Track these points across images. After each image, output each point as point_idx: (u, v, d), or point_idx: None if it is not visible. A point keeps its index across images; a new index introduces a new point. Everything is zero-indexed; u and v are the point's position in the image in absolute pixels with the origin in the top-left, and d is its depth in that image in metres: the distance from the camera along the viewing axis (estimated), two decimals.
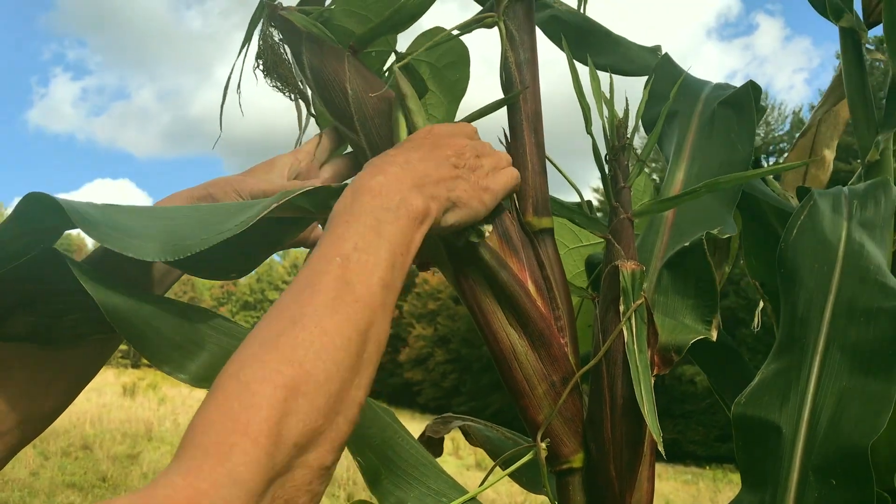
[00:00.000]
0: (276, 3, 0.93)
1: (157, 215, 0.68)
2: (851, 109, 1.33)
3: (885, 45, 1.24)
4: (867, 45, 1.34)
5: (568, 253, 1.29)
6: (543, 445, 0.80)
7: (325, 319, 0.55)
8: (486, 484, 0.85)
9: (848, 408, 0.85)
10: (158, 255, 0.59)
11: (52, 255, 0.66)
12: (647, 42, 1.43)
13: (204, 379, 0.68)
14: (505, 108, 0.90)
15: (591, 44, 1.34)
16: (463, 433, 1.26)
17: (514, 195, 0.86)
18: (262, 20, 0.93)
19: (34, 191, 0.58)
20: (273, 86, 0.96)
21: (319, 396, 0.53)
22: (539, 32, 1.20)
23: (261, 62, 0.95)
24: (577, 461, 0.82)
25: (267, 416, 0.49)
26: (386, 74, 1.01)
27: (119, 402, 18.23)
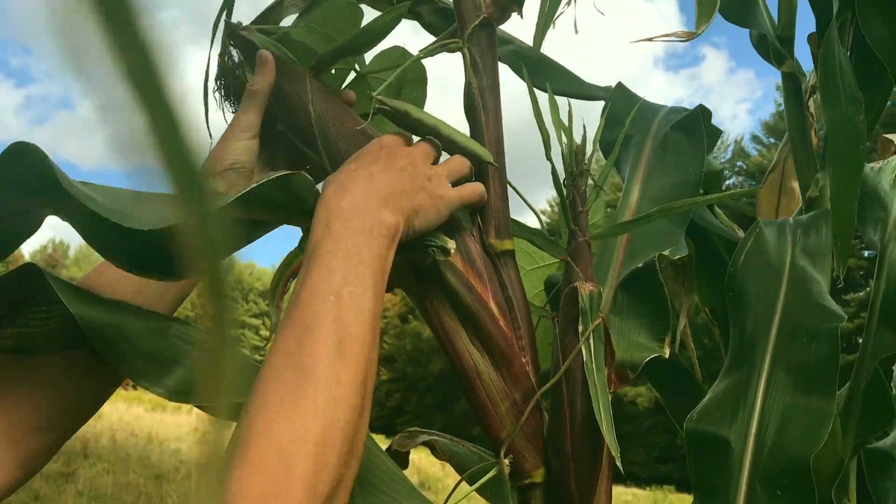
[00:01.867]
0: (236, 22, 0.93)
1: (138, 195, 0.66)
2: (793, 149, 1.42)
3: (819, 94, 1.32)
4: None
5: (525, 275, 1.33)
6: (507, 461, 0.82)
7: (336, 367, 0.57)
8: (454, 499, 0.86)
9: (792, 423, 0.90)
10: (153, 224, 0.58)
11: (33, 270, 0.67)
12: (598, 69, 1.49)
13: (181, 393, 0.69)
14: (468, 133, 0.92)
15: (548, 75, 1.39)
16: (430, 448, 1.28)
17: (479, 217, 0.89)
18: (221, 40, 0.93)
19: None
20: (232, 108, 0.95)
21: (343, 444, 0.55)
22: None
23: (220, 83, 0.94)
24: (538, 476, 0.84)
25: (302, 475, 0.51)
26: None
27: None
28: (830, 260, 1.12)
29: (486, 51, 0.93)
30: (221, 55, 0.93)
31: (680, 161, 1.14)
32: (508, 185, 0.94)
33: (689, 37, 1.08)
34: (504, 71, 1.36)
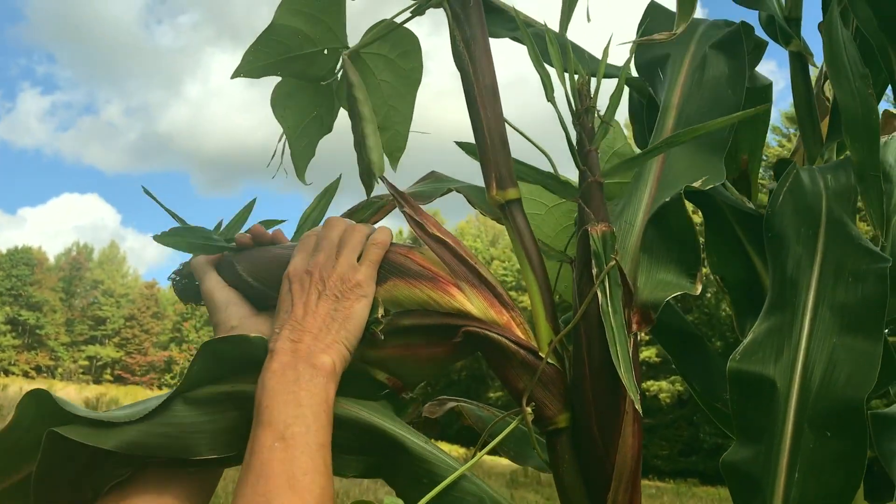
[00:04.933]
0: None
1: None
2: (800, 124, 1.41)
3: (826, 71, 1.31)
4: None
5: (549, 211, 1.26)
6: (529, 410, 0.81)
7: (291, 501, 0.65)
8: (477, 456, 0.84)
9: (839, 364, 0.86)
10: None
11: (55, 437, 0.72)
12: (611, 55, 1.48)
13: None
14: (461, 86, 0.92)
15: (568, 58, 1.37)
16: (457, 413, 1.31)
17: (482, 169, 0.89)
18: None
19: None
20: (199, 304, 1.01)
21: None
22: None
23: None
24: (562, 421, 0.82)
25: None
26: (339, 74, 1.05)
27: None
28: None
29: (467, 2, 0.92)
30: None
31: (719, 84, 1.08)
32: (512, 129, 0.92)
33: (669, 37, 1.08)
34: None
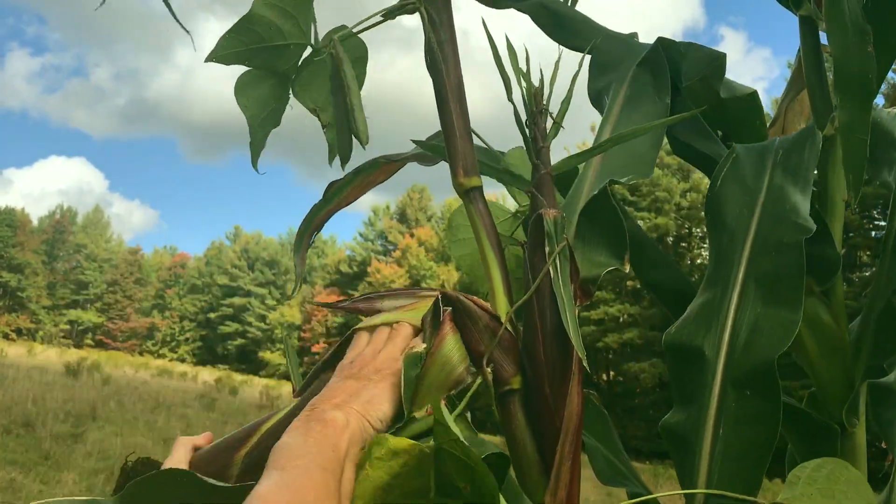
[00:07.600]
0: None
1: None
2: (809, 90, 1.44)
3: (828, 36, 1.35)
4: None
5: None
6: (489, 370, 0.89)
7: None
8: (458, 408, 0.92)
9: (760, 331, 0.95)
10: None
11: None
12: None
13: None
14: (431, 83, 1.00)
15: (571, 29, 1.43)
16: None
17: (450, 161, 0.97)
18: None
19: None
20: None
21: None
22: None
23: None
24: (515, 383, 0.91)
25: None
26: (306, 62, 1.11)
27: (62, 381, 17.84)
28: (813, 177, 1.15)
29: (441, 7, 1.01)
30: None
31: (648, 95, 1.19)
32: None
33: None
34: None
